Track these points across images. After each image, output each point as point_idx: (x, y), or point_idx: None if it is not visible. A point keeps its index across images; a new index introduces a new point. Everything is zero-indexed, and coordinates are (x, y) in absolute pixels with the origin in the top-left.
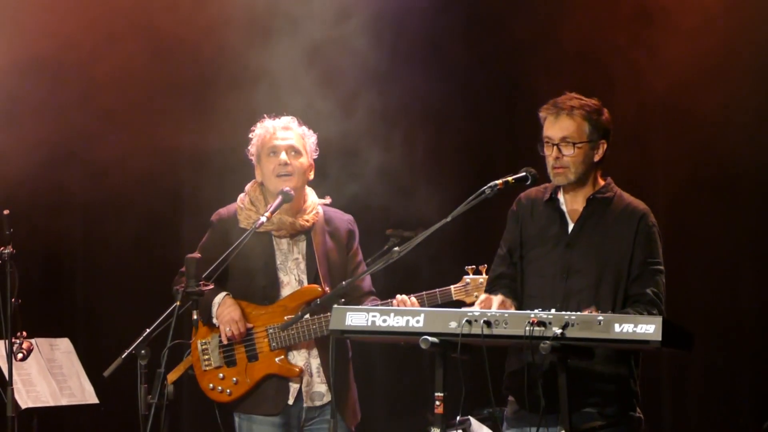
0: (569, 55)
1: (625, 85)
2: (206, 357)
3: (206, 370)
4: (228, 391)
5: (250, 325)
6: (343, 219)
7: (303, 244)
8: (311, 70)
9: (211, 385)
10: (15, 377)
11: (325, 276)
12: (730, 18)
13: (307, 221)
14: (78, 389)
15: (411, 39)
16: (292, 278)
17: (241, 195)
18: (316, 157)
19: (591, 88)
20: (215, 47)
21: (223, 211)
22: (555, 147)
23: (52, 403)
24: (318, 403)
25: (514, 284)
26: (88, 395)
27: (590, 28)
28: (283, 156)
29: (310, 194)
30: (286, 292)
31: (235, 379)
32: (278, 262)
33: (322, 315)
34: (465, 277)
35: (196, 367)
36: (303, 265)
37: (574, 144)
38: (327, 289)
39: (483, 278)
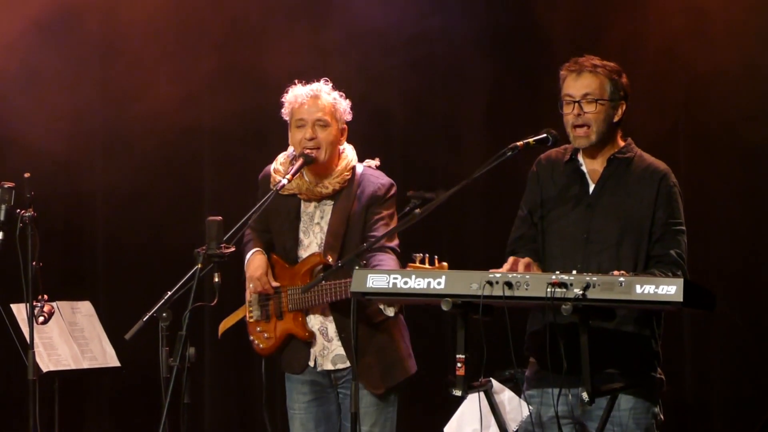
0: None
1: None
2: (251, 309)
3: (250, 322)
4: (260, 345)
5: (276, 284)
6: (373, 182)
7: (328, 209)
8: (328, 28)
9: (251, 336)
10: (36, 340)
11: (332, 245)
12: None
13: (327, 188)
14: (99, 352)
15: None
16: (313, 241)
17: (281, 154)
18: (349, 119)
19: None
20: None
21: (266, 168)
22: (576, 104)
23: (73, 367)
24: (341, 366)
25: (535, 245)
26: (110, 358)
27: None
28: (309, 130)
29: (345, 159)
30: (305, 254)
31: (266, 334)
32: (302, 225)
33: (336, 281)
34: (409, 264)
35: (247, 318)
36: (325, 230)
37: (596, 101)
38: (329, 258)
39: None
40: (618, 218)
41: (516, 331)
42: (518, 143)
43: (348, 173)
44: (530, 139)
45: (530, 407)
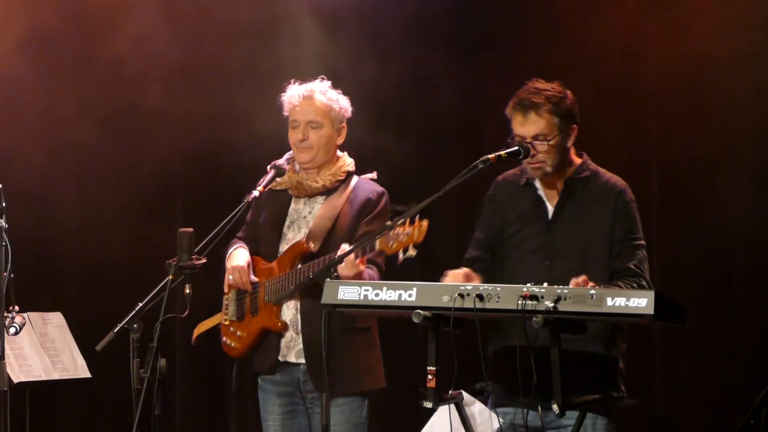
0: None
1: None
2: (226, 311)
3: (225, 324)
4: (233, 344)
5: (256, 279)
6: (367, 188)
7: (317, 206)
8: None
9: (224, 338)
10: (7, 351)
11: (317, 235)
12: None
13: (317, 182)
14: (70, 363)
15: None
16: (297, 236)
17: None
18: (348, 116)
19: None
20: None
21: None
22: (529, 145)
23: (44, 378)
24: (302, 361)
25: (487, 267)
26: (81, 369)
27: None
28: (301, 131)
29: (342, 161)
30: (285, 248)
31: (239, 333)
32: (289, 220)
33: (310, 265)
34: (387, 223)
35: (222, 321)
36: (311, 224)
37: (547, 141)
38: (311, 245)
39: (404, 234)
40: (578, 241)
41: (488, 343)
42: (490, 156)
43: (342, 175)
44: (502, 152)
45: (501, 420)
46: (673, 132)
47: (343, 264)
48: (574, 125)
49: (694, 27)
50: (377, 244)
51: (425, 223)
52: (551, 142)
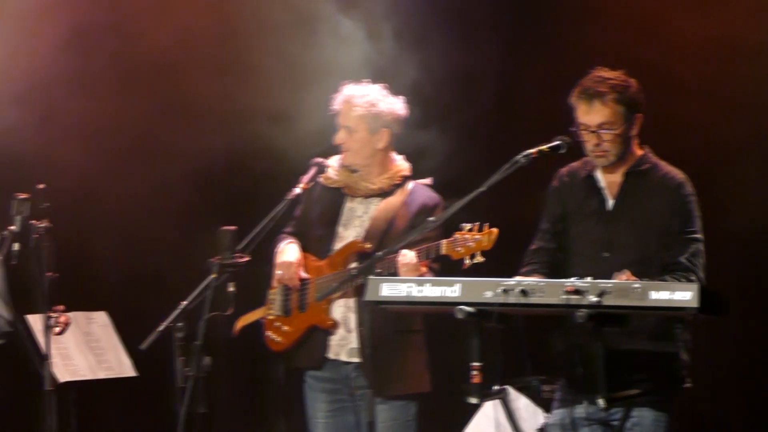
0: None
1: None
2: (271, 305)
3: (270, 319)
4: (277, 339)
5: (306, 276)
6: (425, 194)
7: (373, 206)
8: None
9: (269, 332)
10: (53, 351)
11: (374, 235)
12: None
13: (374, 184)
14: (115, 362)
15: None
16: (351, 234)
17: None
18: (395, 118)
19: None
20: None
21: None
22: (593, 133)
23: (89, 377)
24: (355, 360)
25: (553, 258)
26: (126, 368)
27: None
28: (340, 135)
29: (398, 165)
30: (339, 246)
31: (285, 328)
32: (342, 218)
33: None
34: (456, 232)
35: (267, 316)
36: (366, 224)
37: (612, 130)
38: (368, 245)
39: (473, 239)
40: (638, 233)
41: (532, 338)
42: (531, 151)
43: (399, 179)
44: (544, 147)
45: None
46: (701, 118)
47: (405, 269)
48: (638, 114)
49: (724, 11)
50: (443, 249)
51: (495, 230)
52: (617, 132)
